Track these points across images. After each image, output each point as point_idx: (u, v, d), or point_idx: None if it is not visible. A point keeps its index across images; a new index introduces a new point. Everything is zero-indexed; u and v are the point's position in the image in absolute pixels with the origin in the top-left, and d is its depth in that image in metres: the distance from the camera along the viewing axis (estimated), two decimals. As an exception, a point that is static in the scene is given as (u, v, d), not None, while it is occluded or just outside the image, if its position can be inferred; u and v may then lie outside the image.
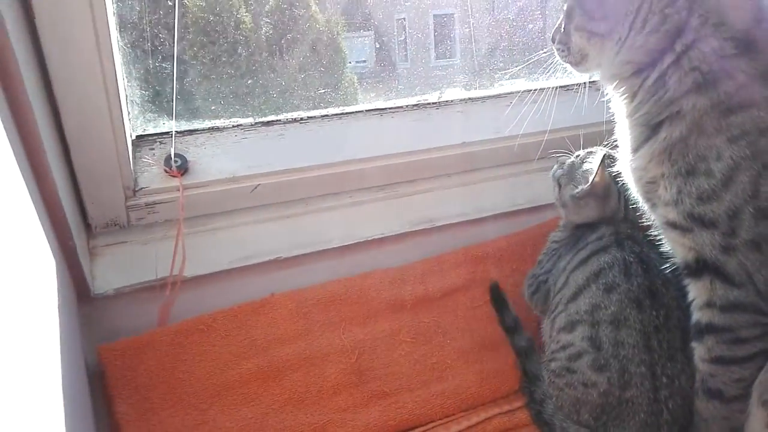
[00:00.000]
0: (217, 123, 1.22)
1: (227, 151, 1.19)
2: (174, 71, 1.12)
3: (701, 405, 0.99)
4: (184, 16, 1.23)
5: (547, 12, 1.50)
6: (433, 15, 1.57)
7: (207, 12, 1.26)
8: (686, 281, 0.98)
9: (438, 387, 1.16)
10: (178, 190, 1.12)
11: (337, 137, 1.29)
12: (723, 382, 0.95)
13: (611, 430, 1.01)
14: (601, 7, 0.96)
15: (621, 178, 1.07)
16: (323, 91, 1.34)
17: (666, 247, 1.05)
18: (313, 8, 1.35)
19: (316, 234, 1.26)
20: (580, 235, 1.19)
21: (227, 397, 1.08)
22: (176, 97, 1.18)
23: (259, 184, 1.18)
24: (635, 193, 1.04)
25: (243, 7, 1.29)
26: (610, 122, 1.06)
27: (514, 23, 1.50)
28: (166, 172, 1.14)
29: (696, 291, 0.96)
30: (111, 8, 0.99)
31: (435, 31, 1.56)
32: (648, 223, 1.07)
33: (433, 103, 1.40)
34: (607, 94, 1.04)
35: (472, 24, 1.51)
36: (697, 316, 0.96)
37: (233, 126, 1.22)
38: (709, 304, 0.94)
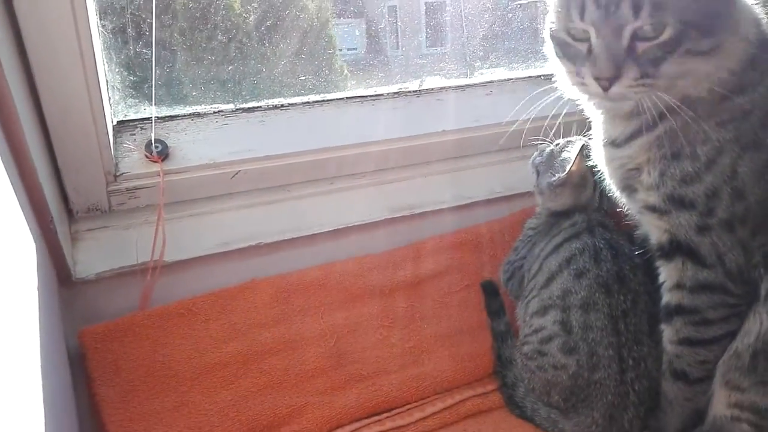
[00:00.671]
0: (198, 109, 1.23)
1: (208, 137, 1.20)
2: (153, 57, 1.13)
3: (667, 386, 1.03)
4: (173, 1, 1.24)
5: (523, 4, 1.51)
6: (425, 2, 1.57)
7: None
8: (658, 263, 1.01)
9: (414, 370, 1.18)
10: (159, 175, 1.13)
11: (318, 124, 1.30)
12: (688, 364, 0.99)
13: (580, 411, 1.05)
14: None
15: (597, 169, 1.09)
16: (305, 78, 1.35)
17: (639, 231, 1.09)
18: None
19: (296, 220, 1.27)
20: (554, 223, 1.22)
21: (207, 379, 1.10)
22: (158, 83, 1.19)
23: (239, 170, 1.19)
24: (613, 181, 1.05)
25: None
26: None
27: (495, 13, 1.51)
28: (146, 157, 1.14)
29: (667, 272, 0.99)
30: (91, -7, 1.00)
31: (426, 18, 1.56)
32: (621, 210, 1.09)
33: (414, 91, 1.41)
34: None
35: (463, 13, 1.52)
36: (667, 297, 0.99)
37: (214, 112, 1.22)
38: (679, 285, 0.97)
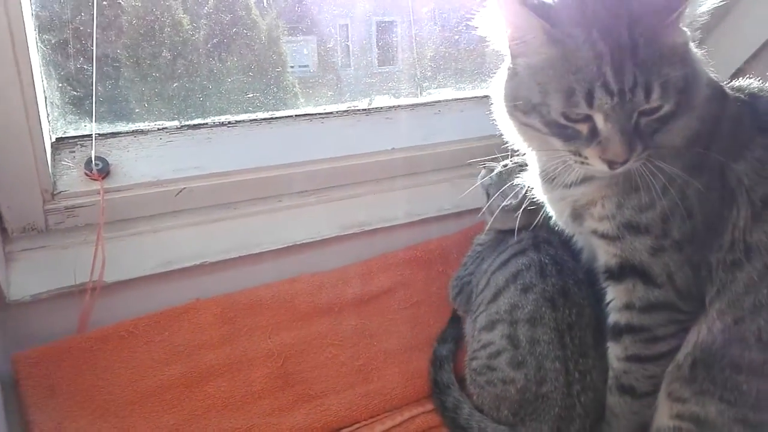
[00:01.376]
0: (142, 126, 1.20)
1: (151, 155, 1.18)
2: (94, 72, 1.10)
3: (613, 400, 1.04)
4: (118, 18, 1.22)
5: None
6: (376, 22, 1.58)
7: (143, 13, 1.24)
8: (605, 284, 1.02)
9: (364, 388, 1.17)
10: (99, 193, 1.10)
11: (266, 141, 1.29)
12: (636, 379, 1.00)
13: (529, 425, 1.05)
14: None
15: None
16: (253, 95, 1.34)
17: (584, 253, 1.11)
18: (254, 11, 1.35)
19: (244, 238, 1.26)
20: (502, 239, 1.24)
21: (148, 404, 1.06)
22: (100, 99, 1.17)
23: (184, 188, 1.17)
24: (557, 212, 1.06)
25: (181, 8, 1.28)
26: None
27: (442, 35, 1.54)
28: (86, 175, 1.12)
29: (615, 293, 1.00)
30: (29, 9, 0.97)
31: (377, 37, 1.58)
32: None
33: (363, 110, 1.42)
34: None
35: (413, 33, 1.54)
36: (616, 317, 1.00)
37: (158, 129, 1.21)
38: (628, 306, 0.98)
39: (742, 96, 0.97)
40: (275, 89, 1.38)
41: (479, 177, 1.30)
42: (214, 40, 1.30)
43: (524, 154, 1.06)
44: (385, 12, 1.60)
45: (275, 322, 1.20)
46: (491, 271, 1.17)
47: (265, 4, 1.37)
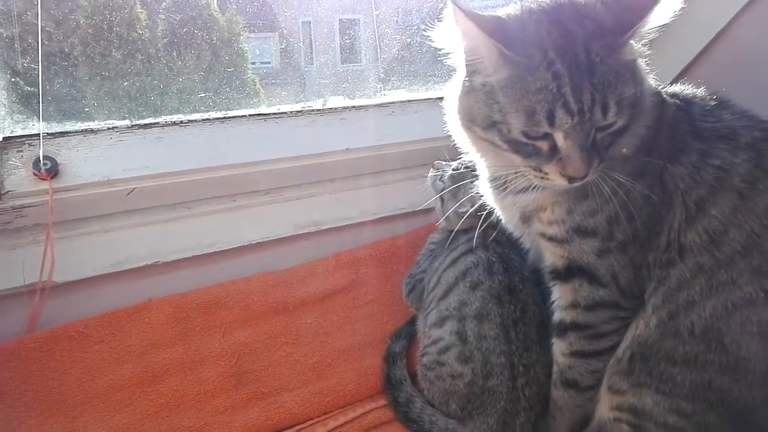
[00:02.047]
0: (92, 125, 1.19)
1: (101, 154, 1.17)
2: (40, 70, 1.09)
3: (558, 394, 1.07)
4: (73, 12, 1.20)
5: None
6: (339, 20, 1.59)
7: (101, 8, 1.22)
8: (552, 283, 1.05)
9: (317, 386, 1.19)
10: (48, 193, 1.09)
11: (219, 141, 1.29)
12: (579, 373, 1.04)
13: (476, 419, 1.08)
14: None
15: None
16: (205, 95, 1.34)
17: (530, 252, 1.14)
18: (213, 7, 1.34)
19: (198, 238, 1.26)
20: (454, 238, 1.26)
21: (99, 403, 1.06)
22: (49, 98, 1.16)
23: (135, 188, 1.16)
24: (505, 215, 1.09)
25: (139, 4, 1.27)
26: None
27: (394, 38, 1.56)
28: (35, 174, 1.10)
29: (561, 293, 1.03)
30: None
31: (341, 36, 1.58)
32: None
33: (317, 110, 1.43)
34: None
35: (377, 32, 1.55)
36: (561, 315, 1.04)
37: (108, 128, 1.19)
38: (574, 305, 1.02)
39: (678, 101, 1.02)
40: (234, 86, 1.38)
41: (429, 175, 1.32)
42: (173, 38, 1.29)
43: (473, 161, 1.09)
44: (349, 10, 1.61)
45: (229, 321, 1.21)
46: (442, 269, 1.20)
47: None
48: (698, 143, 0.97)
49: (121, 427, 1.06)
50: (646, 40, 0.92)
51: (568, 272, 1.01)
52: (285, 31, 1.49)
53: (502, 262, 1.15)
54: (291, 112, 1.40)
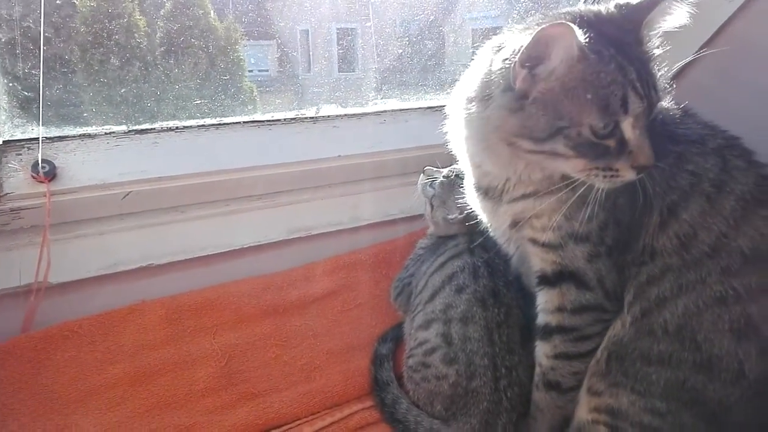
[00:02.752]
0: (89, 130, 1.22)
1: (98, 158, 1.20)
2: (41, 76, 1.12)
3: (539, 396, 1.10)
4: (72, 18, 1.23)
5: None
6: (336, 29, 1.62)
7: (100, 15, 1.25)
8: (538, 288, 1.08)
9: (305, 387, 1.21)
10: (45, 195, 1.11)
11: (213, 147, 1.32)
12: (562, 375, 1.06)
13: (460, 419, 1.10)
14: None
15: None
16: (201, 101, 1.37)
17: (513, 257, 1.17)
18: (212, 15, 1.37)
19: (190, 241, 1.29)
20: (441, 243, 1.30)
21: (92, 402, 1.08)
22: (49, 103, 1.18)
23: (130, 191, 1.19)
24: (493, 222, 1.12)
25: (138, 10, 1.29)
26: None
27: (386, 49, 1.59)
28: (33, 177, 1.13)
29: (548, 297, 1.06)
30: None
31: (338, 44, 1.61)
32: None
33: (310, 118, 1.46)
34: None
35: (374, 42, 1.58)
36: (547, 318, 1.06)
37: (106, 133, 1.22)
38: (560, 308, 1.04)
39: None
40: (230, 93, 1.40)
41: (419, 181, 1.35)
42: (171, 45, 1.32)
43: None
44: (345, 19, 1.64)
45: (220, 323, 1.23)
46: (429, 273, 1.23)
47: (223, 7, 1.39)
48: (674, 146, 1.01)
49: (113, 424, 1.08)
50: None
51: (557, 277, 1.04)
52: (282, 40, 1.51)
53: (488, 267, 1.18)
54: (285, 119, 1.43)
